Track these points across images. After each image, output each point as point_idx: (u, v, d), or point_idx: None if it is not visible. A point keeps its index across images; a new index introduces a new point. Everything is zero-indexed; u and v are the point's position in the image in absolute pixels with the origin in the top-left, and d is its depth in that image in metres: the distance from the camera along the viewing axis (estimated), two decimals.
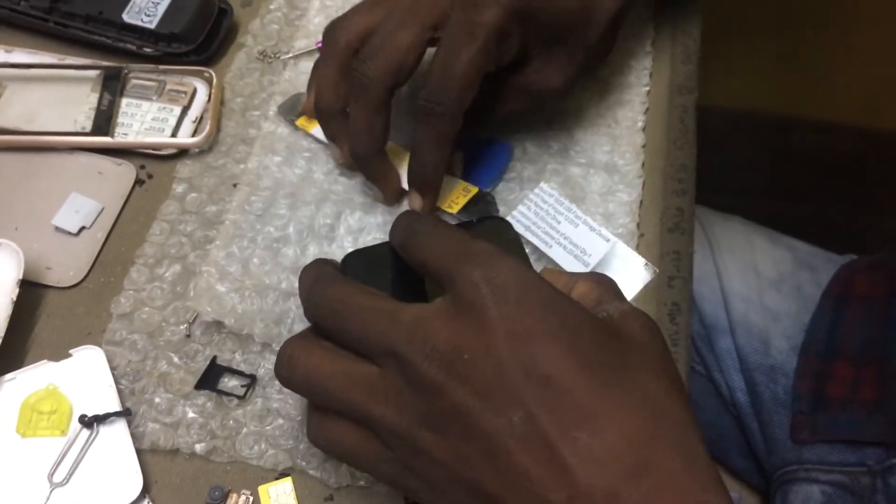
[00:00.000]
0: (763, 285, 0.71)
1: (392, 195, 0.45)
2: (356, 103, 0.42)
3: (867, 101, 1.23)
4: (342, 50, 0.43)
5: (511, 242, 0.41)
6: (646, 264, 0.42)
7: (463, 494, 0.29)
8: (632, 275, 0.43)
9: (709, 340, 0.70)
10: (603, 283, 0.34)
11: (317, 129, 0.48)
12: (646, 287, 0.42)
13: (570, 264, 0.43)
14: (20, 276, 0.40)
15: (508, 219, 0.44)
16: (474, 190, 0.45)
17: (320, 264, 0.36)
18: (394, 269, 0.36)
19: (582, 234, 0.43)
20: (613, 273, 0.43)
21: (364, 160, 0.43)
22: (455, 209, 0.44)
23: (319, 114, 0.45)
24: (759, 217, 0.77)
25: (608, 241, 0.43)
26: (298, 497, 0.38)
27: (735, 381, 0.69)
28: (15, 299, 0.40)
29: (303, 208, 0.45)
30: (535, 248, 0.44)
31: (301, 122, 0.48)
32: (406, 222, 0.35)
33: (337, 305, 0.33)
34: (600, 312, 0.31)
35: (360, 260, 0.38)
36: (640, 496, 0.26)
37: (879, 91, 1.23)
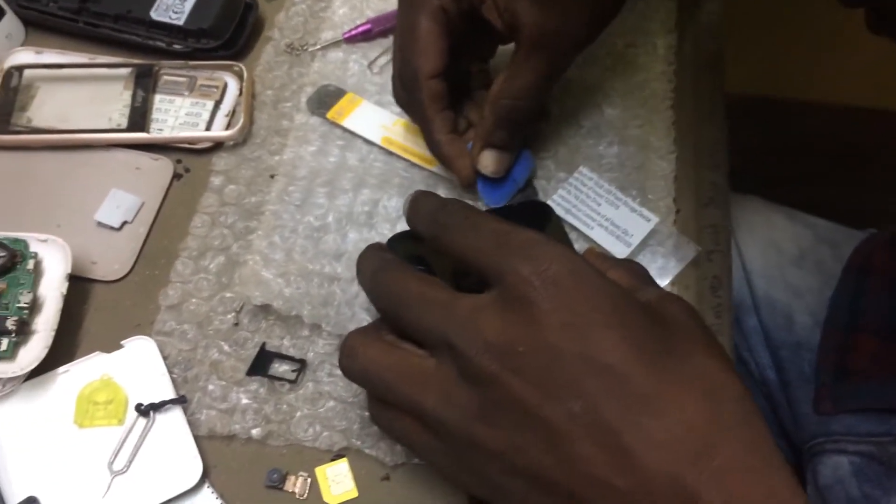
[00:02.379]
0: (784, 262, 0.71)
1: (466, 179, 0.45)
2: (409, 99, 0.44)
3: (881, 84, 1.23)
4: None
5: (553, 226, 0.41)
6: (687, 242, 0.43)
7: (521, 485, 0.29)
8: (674, 253, 0.43)
9: (736, 319, 0.71)
10: (635, 271, 0.34)
11: (348, 121, 0.48)
12: (687, 264, 0.43)
13: (612, 245, 0.43)
14: (69, 270, 0.41)
15: (549, 203, 0.44)
16: None
17: (378, 251, 0.36)
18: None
19: (623, 214, 0.44)
20: (655, 252, 0.43)
21: (431, 150, 0.45)
22: None
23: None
24: (775, 201, 0.77)
25: (649, 220, 0.43)
26: (355, 477, 0.39)
27: (763, 358, 0.69)
28: (65, 293, 0.40)
29: (341, 196, 0.46)
30: (576, 230, 0.44)
31: (331, 114, 0.49)
32: (431, 214, 0.34)
33: (397, 294, 0.33)
34: (639, 298, 0.31)
35: (403, 244, 0.38)
36: (706, 479, 0.26)
37: (893, 73, 1.23)
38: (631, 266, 0.35)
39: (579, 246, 0.44)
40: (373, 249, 0.37)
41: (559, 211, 0.44)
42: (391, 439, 0.39)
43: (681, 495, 0.26)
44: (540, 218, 0.41)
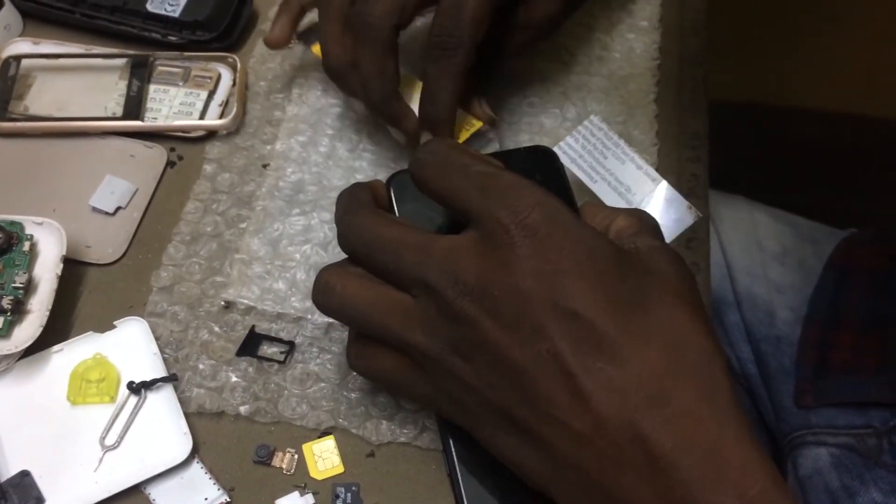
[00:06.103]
0: (766, 259, 0.73)
1: (414, 135, 0.44)
2: (363, 48, 0.42)
3: (867, 91, 1.25)
4: (340, 1, 0.42)
5: (554, 173, 0.40)
6: (689, 207, 0.43)
7: (494, 417, 0.31)
8: (675, 216, 0.42)
9: (717, 315, 0.72)
10: (643, 220, 0.35)
11: None
12: (687, 230, 0.42)
13: (614, 201, 0.43)
14: (63, 253, 0.42)
15: (555, 149, 0.43)
16: (478, 124, 0.45)
17: (355, 190, 0.36)
18: None
19: (628, 171, 0.43)
20: (657, 213, 0.43)
21: (380, 105, 0.43)
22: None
23: (332, 73, 0.45)
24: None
25: (654, 180, 0.43)
26: (341, 454, 0.40)
27: (744, 352, 0.71)
28: (59, 274, 0.41)
29: (329, 188, 0.47)
30: (579, 181, 0.43)
31: (316, 48, 0.47)
32: (417, 156, 0.34)
33: (368, 238, 0.33)
34: (628, 244, 0.32)
35: (405, 182, 0.37)
36: (657, 425, 0.28)
37: (879, 80, 1.25)
38: (641, 215, 0.35)
39: (581, 199, 0.43)
40: (352, 187, 0.37)
41: (564, 159, 0.43)
42: (371, 380, 0.40)
43: (633, 439, 0.28)
44: (543, 163, 0.40)
